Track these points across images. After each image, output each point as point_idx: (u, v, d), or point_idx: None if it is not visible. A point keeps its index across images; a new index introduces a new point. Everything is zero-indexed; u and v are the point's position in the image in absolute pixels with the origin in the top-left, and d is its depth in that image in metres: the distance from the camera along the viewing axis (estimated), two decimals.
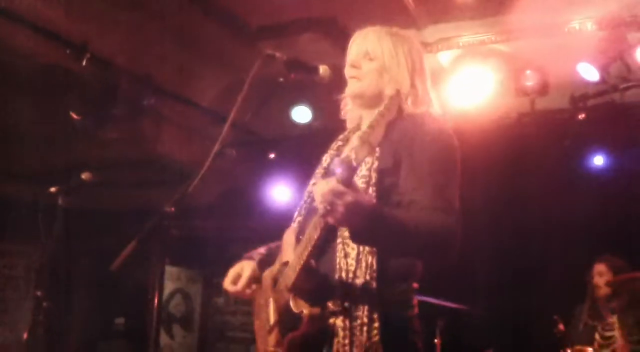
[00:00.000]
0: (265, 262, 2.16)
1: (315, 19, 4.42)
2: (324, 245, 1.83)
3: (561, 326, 4.10)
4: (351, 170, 1.55)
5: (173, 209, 1.94)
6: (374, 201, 1.76)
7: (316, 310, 1.81)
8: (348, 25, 2.21)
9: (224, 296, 7.12)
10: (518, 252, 5.41)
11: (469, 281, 5.20)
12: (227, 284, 2.14)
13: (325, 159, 2.14)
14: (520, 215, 5.44)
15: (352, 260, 1.80)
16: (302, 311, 1.82)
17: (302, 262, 1.81)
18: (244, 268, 2.15)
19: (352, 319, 1.76)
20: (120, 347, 7.22)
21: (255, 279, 2.13)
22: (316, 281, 1.84)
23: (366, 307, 1.76)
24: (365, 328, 1.75)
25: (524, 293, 5.33)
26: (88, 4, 4.12)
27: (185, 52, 4.82)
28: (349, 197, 1.55)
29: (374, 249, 1.80)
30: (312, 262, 1.83)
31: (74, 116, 4.29)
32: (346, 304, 1.77)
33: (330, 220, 1.61)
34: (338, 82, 2.14)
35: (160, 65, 4.80)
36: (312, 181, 2.12)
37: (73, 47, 4.15)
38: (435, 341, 4.59)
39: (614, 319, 4.16)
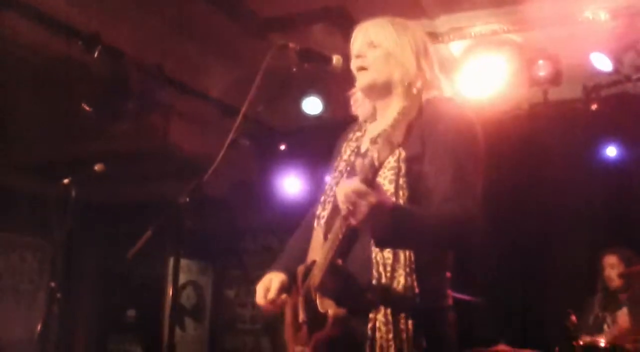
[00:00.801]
0: (291, 269, 2.10)
1: (325, 9, 4.40)
2: (355, 239, 1.83)
3: (574, 318, 4.08)
4: (374, 170, 1.54)
5: (187, 199, 1.93)
6: (395, 201, 1.74)
7: (341, 311, 1.80)
8: (358, 15, 2.19)
9: (235, 288, 7.15)
10: (529, 242, 5.39)
11: (479, 272, 5.18)
12: (259, 299, 2.07)
13: (345, 151, 2.12)
14: (532, 206, 5.41)
15: (389, 253, 1.79)
16: (327, 311, 1.81)
17: (327, 262, 1.80)
18: (272, 280, 2.08)
19: (394, 312, 1.74)
20: (131, 339, 7.27)
21: (284, 288, 2.07)
22: (343, 281, 1.82)
23: (405, 300, 1.75)
24: (402, 322, 1.74)
25: (534, 285, 5.31)
26: None
27: (194, 43, 4.81)
28: (372, 198, 1.54)
29: None
30: (338, 261, 1.82)
31: (86, 108, 4.29)
32: (385, 297, 1.76)
33: (353, 221, 1.60)
34: (348, 74, 2.13)
35: (170, 56, 4.80)
36: (334, 174, 2.10)
37: (84, 39, 4.15)
38: None
39: (624, 311, 4.14)
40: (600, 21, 4.18)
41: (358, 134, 2.14)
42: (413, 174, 1.83)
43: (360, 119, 2.19)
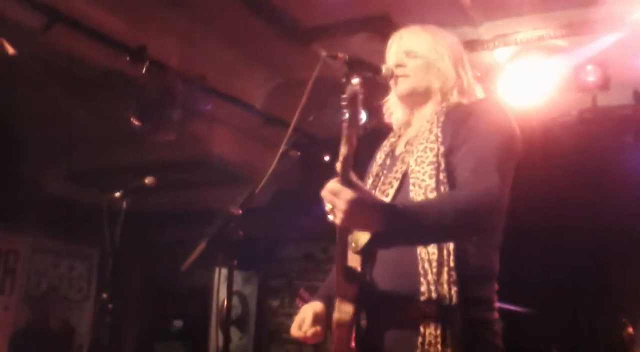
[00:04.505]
0: (330, 297, 2.03)
1: (368, 18, 4.39)
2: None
3: (630, 329, 3.96)
4: (347, 166, 1.57)
5: (240, 211, 1.94)
6: (381, 199, 1.75)
7: (340, 316, 1.76)
8: (402, 24, 2.18)
9: (279, 297, 7.16)
10: (578, 251, 5.27)
11: (529, 282, 5.10)
12: (294, 330, 2.03)
13: (380, 156, 2.13)
14: (582, 213, 5.29)
15: (434, 249, 1.77)
16: (334, 315, 1.79)
17: (339, 269, 1.79)
18: (307, 310, 2.05)
19: (444, 324, 1.71)
20: (177, 349, 7.34)
21: (319, 318, 2.02)
22: (355, 285, 1.79)
23: (453, 311, 1.72)
24: (450, 333, 1.70)
25: (586, 294, 5.19)
26: (142, 7, 4.20)
27: (237, 53, 4.86)
28: (347, 195, 1.56)
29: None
30: (346, 266, 1.80)
31: (135, 123, 4.37)
32: (433, 300, 1.73)
33: (337, 221, 1.61)
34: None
35: (213, 66, 4.86)
36: (368, 179, 2.10)
37: (131, 52, 4.23)
38: None
39: None
40: None
41: (392, 139, 2.15)
42: (450, 169, 1.83)
43: (395, 126, 2.20)
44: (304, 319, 2.02)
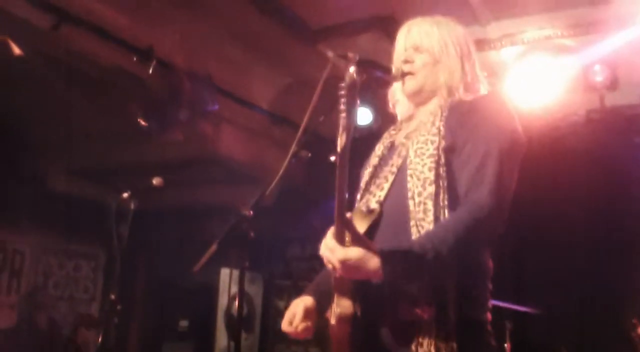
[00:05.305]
0: (320, 291, 2.05)
1: (375, 18, 4.39)
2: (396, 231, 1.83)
3: None
4: (342, 219, 1.64)
5: (251, 212, 1.95)
6: (377, 246, 1.71)
7: (341, 310, 1.77)
8: None
9: (285, 298, 7.16)
10: (587, 251, 5.25)
11: (537, 283, 5.09)
12: (285, 325, 2.01)
13: (379, 148, 2.13)
14: (589, 213, 5.27)
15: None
16: (335, 310, 1.79)
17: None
18: (298, 305, 2.03)
19: (436, 315, 1.71)
20: (184, 349, 7.34)
21: (310, 313, 2.01)
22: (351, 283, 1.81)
23: (445, 305, 1.71)
24: (442, 330, 1.70)
25: (595, 294, 5.17)
26: (150, 6, 4.20)
27: (244, 52, 4.86)
28: (340, 254, 1.64)
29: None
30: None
31: (142, 122, 4.37)
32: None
33: (336, 275, 1.71)
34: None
35: (219, 65, 4.86)
36: (367, 170, 2.10)
37: (139, 52, 4.23)
38: (505, 345, 4.50)
39: None
40: None
41: (393, 132, 2.15)
42: (451, 164, 1.82)
43: (399, 118, 2.20)
44: (294, 314, 2.00)
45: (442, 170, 1.80)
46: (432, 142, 1.85)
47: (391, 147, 2.08)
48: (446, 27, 2.09)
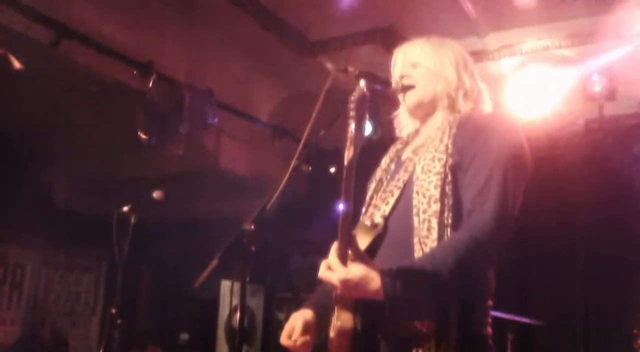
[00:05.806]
0: (320, 305, 2.04)
1: (374, 30, 4.41)
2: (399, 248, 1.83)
3: None
4: (346, 239, 1.65)
5: (252, 226, 1.95)
6: (377, 265, 1.71)
7: (341, 323, 1.75)
8: (408, 36, 2.19)
9: (285, 310, 7.13)
10: (589, 262, 5.23)
11: (540, 295, 5.07)
12: (283, 339, 2.01)
13: (385, 161, 2.14)
14: (590, 223, 5.26)
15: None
16: (335, 323, 1.77)
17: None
18: (297, 318, 2.02)
19: (436, 330, 1.71)
20: None
21: (309, 327, 1.99)
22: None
23: (446, 321, 1.71)
24: (442, 345, 1.69)
25: (598, 306, 5.15)
26: (150, 20, 4.22)
27: (244, 65, 4.88)
28: (341, 274, 1.65)
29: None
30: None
31: (142, 136, 4.38)
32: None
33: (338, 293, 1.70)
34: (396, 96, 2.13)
35: (220, 79, 4.87)
36: (371, 184, 2.11)
37: (139, 67, 4.25)
38: None
39: None
40: None
41: (399, 146, 2.16)
42: (457, 183, 1.83)
43: (399, 133, 2.22)
44: (293, 328, 1.99)
45: (448, 188, 1.80)
46: (439, 160, 1.85)
47: (397, 161, 2.08)
48: (439, 43, 2.13)
